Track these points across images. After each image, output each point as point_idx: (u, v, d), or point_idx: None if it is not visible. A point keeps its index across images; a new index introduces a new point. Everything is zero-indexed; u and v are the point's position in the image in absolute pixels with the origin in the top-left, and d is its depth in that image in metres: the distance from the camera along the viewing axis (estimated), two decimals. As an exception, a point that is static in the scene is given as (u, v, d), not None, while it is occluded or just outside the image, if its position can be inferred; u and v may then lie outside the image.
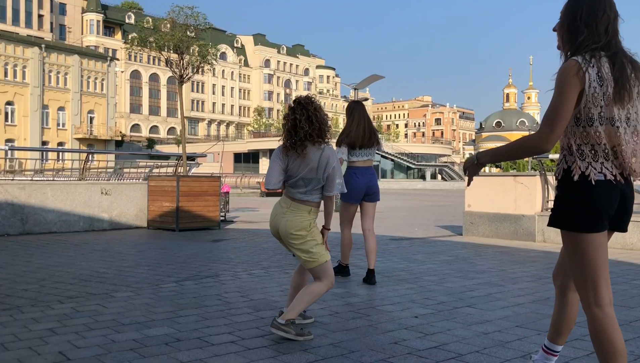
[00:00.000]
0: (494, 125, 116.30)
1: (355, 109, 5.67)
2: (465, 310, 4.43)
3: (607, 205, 2.24)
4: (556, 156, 10.90)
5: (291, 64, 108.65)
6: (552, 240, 9.04)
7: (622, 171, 2.26)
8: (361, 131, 5.53)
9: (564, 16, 2.36)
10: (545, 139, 2.21)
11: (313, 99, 3.74)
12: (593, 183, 2.21)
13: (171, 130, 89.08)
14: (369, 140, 5.58)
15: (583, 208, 2.23)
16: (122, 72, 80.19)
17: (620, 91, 2.21)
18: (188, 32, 24.68)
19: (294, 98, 3.83)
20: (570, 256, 2.30)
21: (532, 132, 2.27)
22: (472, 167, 2.49)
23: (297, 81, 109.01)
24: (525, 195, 9.49)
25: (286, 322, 3.51)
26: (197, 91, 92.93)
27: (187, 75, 23.72)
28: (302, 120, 3.58)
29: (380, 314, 4.29)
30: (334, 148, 3.88)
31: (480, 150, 2.42)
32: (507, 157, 2.34)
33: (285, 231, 3.62)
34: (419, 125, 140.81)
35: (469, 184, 2.63)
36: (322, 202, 3.81)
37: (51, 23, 70.33)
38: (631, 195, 2.30)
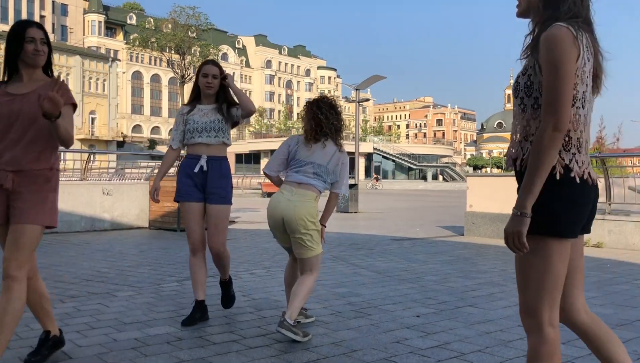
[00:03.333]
0: (495, 126, 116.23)
1: None
2: (467, 310, 4.43)
3: (587, 205, 1.96)
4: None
5: (292, 65, 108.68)
6: (554, 240, 9.02)
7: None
8: None
9: None
10: (556, 128, 1.81)
11: (337, 103, 3.94)
12: (578, 179, 1.89)
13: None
14: None
15: (567, 208, 1.88)
16: (124, 73, 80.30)
17: (597, 70, 1.94)
18: (189, 33, 24.82)
19: (320, 96, 3.96)
20: (534, 268, 1.91)
21: (541, 134, 1.83)
22: (523, 224, 1.85)
23: (298, 82, 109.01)
24: (527, 195, 9.46)
25: (294, 323, 3.47)
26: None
27: (188, 75, 23.81)
28: (330, 118, 3.76)
29: (382, 313, 4.28)
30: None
31: (515, 205, 1.87)
32: (541, 180, 1.85)
33: (294, 217, 3.59)
34: (420, 126, 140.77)
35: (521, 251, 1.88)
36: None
37: (53, 24, 70.46)
38: (596, 195, 2.02)
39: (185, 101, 4.29)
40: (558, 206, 1.88)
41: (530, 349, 1.96)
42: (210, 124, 3.99)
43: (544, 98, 1.85)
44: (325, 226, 3.84)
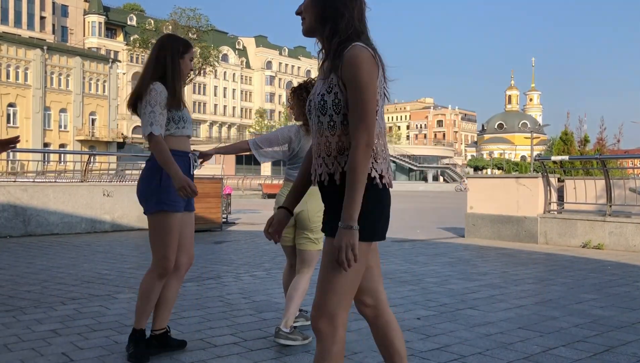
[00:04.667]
0: (496, 127, 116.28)
1: None
2: (468, 312, 4.43)
3: (390, 207, 2.09)
4: (559, 158, 10.88)
5: (293, 66, 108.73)
6: (555, 242, 9.03)
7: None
8: None
9: None
10: (368, 144, 1.90)
11: None
12: (387, 185, 2.02)
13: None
14: None
15: (384, 213, 2.02)
16: (124, 73, 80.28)
17: (385, 82, 2.05)
18: (190, 34, 24.78)
19: (306, 81, 3.83)
20: (354, 273, 1.97)
21: (356, 151, 1.90)
22: (355, 237, 1.89)
23: (298, 83, 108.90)
24: (528, 197, 9.48)
25: (290, 330, 3.45)
26: (199, 93, 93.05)
27: (188, 77, 23.84)
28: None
29: (382, 316, 4.28)
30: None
31: (345, 219, 1.89)
32: (362, 193, 1.91)
33: (307, 214, 3.60)
34: (421, 127, 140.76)
35: (350, 265, 1.90)
36: None
37: (53, 25, 70.47)
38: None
39: (186, 103, 3.42)
40: (378, 213, 1.99)
41: (322, 350, 1.98)
42: (186, 112, 3.31)
43: (353, 116, 1.93)
44: None
